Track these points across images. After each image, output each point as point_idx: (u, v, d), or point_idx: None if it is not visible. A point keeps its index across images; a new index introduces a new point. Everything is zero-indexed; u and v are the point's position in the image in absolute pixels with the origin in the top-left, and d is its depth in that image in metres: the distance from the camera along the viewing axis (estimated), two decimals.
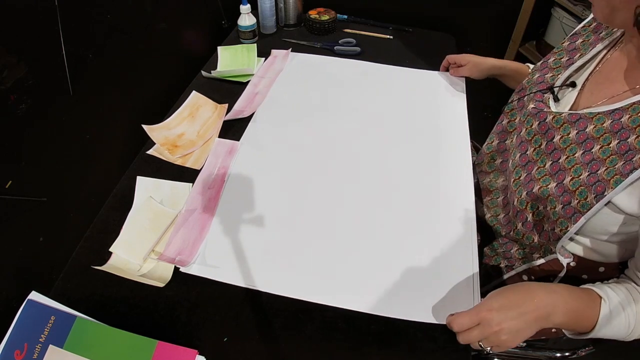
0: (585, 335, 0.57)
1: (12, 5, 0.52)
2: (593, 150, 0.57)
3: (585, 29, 0.72)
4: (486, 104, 0.87)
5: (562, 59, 0.71)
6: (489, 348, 0.54)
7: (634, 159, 0.52)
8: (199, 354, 0.53)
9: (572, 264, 0.66)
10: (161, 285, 0.61)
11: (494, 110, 0.84)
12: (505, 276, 0.74)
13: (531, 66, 0.92)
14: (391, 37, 1.22)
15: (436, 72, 1.07)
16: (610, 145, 0.56)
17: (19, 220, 0.58)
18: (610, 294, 0.57)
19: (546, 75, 0.72)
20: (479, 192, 0.81)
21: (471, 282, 0.63)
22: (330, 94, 0.98)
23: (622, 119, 0.55)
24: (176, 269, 0.63)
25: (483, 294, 0.75)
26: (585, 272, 0.68)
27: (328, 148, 0.84)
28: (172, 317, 0.58)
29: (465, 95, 1.00)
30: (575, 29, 0.74)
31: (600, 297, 0.56)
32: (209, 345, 0.55)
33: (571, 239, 0.63)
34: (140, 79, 0.84)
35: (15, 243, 0.58)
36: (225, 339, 0.57)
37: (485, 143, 0.84)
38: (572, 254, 0.64)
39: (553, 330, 0.74)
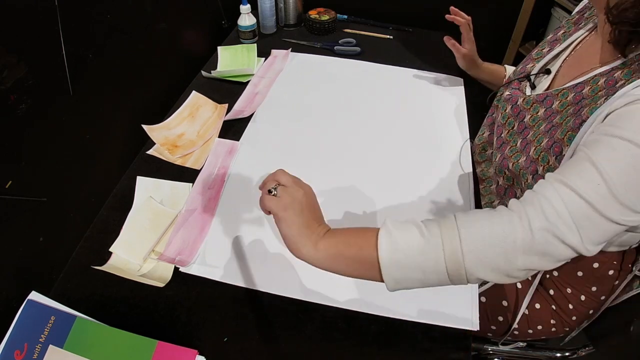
0: (382, 271, 0.46)
1: (12, 5, 0.52)
2: (554, 120, 0.60)
3: (568, 22, 0.74)
4: (485, 103, 0.87)
5: (544, 50, 0.74)
6: (273, 189, 0.51)
7: (583, 112, 0.54)
8: (199, 354, 0.53)
9: None
10: (161, 285, 0.61)
11: None
12: None
13: (507, 67, 0.95)
14: (391, 37, 1.22)
15: (436, 72, 1.07)
16: (568, 111, 0.58)
17: (19, 220, 0.58)
18: (395, 220, 0.48)
19: (527, 66, 0.74)
20: (475, 182, 0.82)
21: None
22: (330, 94, 0.98)
23: (584, 91, 0.57)
24: (176, 269, 0.63)
25: (481, 294, 0.75)
26: (579, 268, 0.68)
27: (328, 148, 0.84)
28: (172, 317, 0.58)
29: (464, 94, 1.00)
30: (561, 23, 0.77)
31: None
32: (209, 345, 0.55)
33: None
34: (140, 79, 0.84)
35: (15, 243, 0.58)
36: (225, 339, 0.57)
37: (477, 135, 0.86)
38: None
39: (553, 329, 0.74)
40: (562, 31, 0.73)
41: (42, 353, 0.52)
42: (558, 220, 0.42)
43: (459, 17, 0.90)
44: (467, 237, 0.44)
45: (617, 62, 0.55)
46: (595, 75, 0.57)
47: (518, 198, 0.66)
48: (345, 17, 1.27)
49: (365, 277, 0.49)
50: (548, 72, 0.69)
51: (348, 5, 1.28)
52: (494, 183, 0.78)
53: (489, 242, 0.43)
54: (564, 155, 0.54)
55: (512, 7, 1.33)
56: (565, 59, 0.68)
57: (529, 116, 0.66)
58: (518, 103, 0.69)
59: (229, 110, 0.91)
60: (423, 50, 1.16)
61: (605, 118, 0.49)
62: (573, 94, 0.59)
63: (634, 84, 0.48)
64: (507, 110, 0.71)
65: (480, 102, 1.02)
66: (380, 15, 1.28)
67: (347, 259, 0.48)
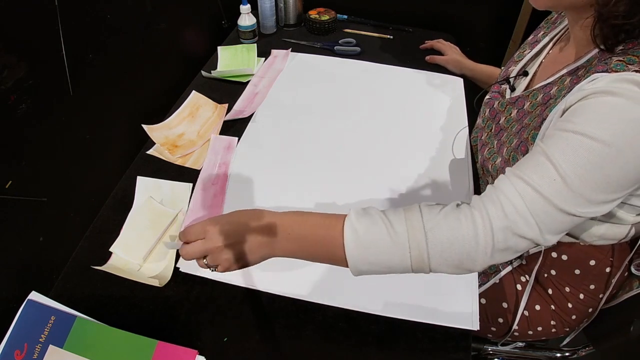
0: (349, 260, 0.48)
1: (12, 5, 0.52)
2: (525, 121, 0.61)
3: (547, 22, 0.75)
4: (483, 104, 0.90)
5: (525, 52, 0.75)
6: (212, 268, 0.53)
7: (544, 112, 0.55)
8: (199, 354, 0.53)
9: (564, 257, 0.67)
10: (161, 285, 0.61)
11: None
12: (502, 273, 0.75)
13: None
14: (391, 37, 1.22)
15: (436, 72, 1.07)
16: (536, 112, 0.59)
17: (19, 220, 0.58)
18: (365, 210, 0.50)
19: (509, 69, 0.76)
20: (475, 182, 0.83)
21: (470, 281, 0.63)
22: (330, 94, 0.98)
23: (551, 91, 0.58)
24: (176, 269, 0.63)
25: (481, 295, 0.75)
26: (577, 266, 0.68)
27: (328, 147, 0.84)
28: (172, 317, 0.58)
29: (464, 94, 1.00)
30: (541, 24, 0.77)
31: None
32: (209, 345, 0.55)
33: None
34: (140, 79, 0.84)
35: (15, 243, 0.58)
36: (225, 339, 0.57)
37: (472, 136, 0.86)
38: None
39: (553, 330, 0.74)
40: (541, 32, 0.74)
41: (42, 353, 0.52)
42: (518, 218, 0.44)
43: (429, 46, 1.16)
44: (433, 240, 0.45)
45: (582, 61, 0.56)
46: (562, 75, 0.58)
47: None
48: (345, 17, 1.27)
49: (331, 264, 0.52)
50: (526, 74, 0.70)
51: (348, 5, 1.28)
52: (483, 183, 0.78)
53: (454, 245, 0.45)
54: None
55: (512, 7, 1.33)
56: (542, 59, 0.69)
57: (504, 118, 0.67)
58: (494, 106, 0.71)
59: (229, 110, 0.91)
60: (423, 51, 1.16)
61: (562, 114, 0.50)
62: (542, 95, 0.60)
63: (588, 79, 0.49)
64: (486, 114, 0.73)
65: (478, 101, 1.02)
66: (380, 15, 1.28)
67: (314, 256, 0.52)
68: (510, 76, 0.73)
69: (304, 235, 0.51)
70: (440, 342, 0.57)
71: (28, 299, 0.54)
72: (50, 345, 0.52)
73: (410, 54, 1.14)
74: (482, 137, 0.72)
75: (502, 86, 0.75)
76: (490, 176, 0.69)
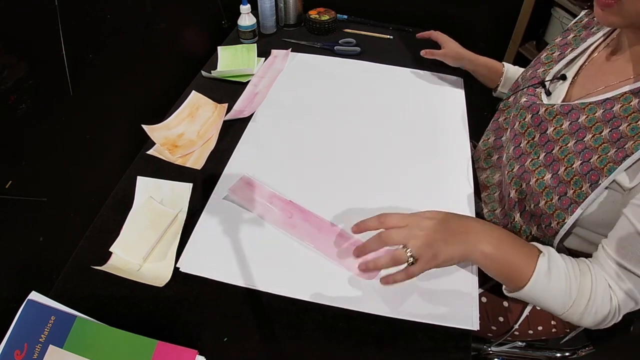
0: (520, 291, 0.55)
1: (12, 5, 0.52)
2: (585, 139, 0.58)
3: (577, 25, 0.73)
4: (485, 104, 0.88)
5: (554, 54, 0.72)
6: (410, 256, 0.55)
7: (626, 146, 0.53)
8: (199, 354, 0.53)
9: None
10: (161, 285, 0.61)
11: (493, 110, 0.84)
12: None
13: (506, 64, 0.94)
14: (391, 37, 1.22)
15: (436, 72, 1.07)
16: (602, 133, 0.56)
17: (19, 220, 0.58)
18: (554, 255, 0.56)
19: (538, 71, 0.73)
20: (477, 188, 0.81)
21: (470, 281, 0.63)
22: (330, 94, 0.98)
23: (614, 108, 0.56)
24: (176, 269, 0.63)
25: (482, 294, 0.75)
26: None
27: (328, 148, 0.84)
28: (172, 317, 0.58)
29: (464, 94, 1.00)
30: (568, 25, 0.76)
31: (540, 252, 0.56)
32: (209, 345, 0.55)
33: (570, 233, 0.63)
34: (140, 79, 0.84)
35: (15, 243, 0.58)
36: (225, 339, 0.57)
37: (481, 140, 0.85)
38: (569, 249, 0.65)
39: (553, 330, 0.74)
40: (571, 35, 0.71)
41: (42, 353, 0.52)
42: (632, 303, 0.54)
43: (426, 35, 1.06)
44: (590, 308, 0.53)
45: None
46: (625, 93, 0.55)
47: (527, 212, 0.65)
48: (345, 17, 1.27)
49: (499, 280, 0.59)
50: (564, 77, 0.67)
51: (348, 5, 1.28)
52: (497, 190, 0.76)
53: (598, 315, 0.54)
54: (600, 184, 0.54)
55: (512, 7, 1.33)
56: (582, 65, 0.66)
57: (552, 128, 0.63)
58: (539, 113, 0.65)
59: (229, 110, 0.91)
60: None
61: None
62: (602, 111, 0.57)
63: None
64: (526, 119, 0.68)
65: (479, 102, 1.02)
66: (380, 15, 1.28)
67: (496, 270, 0.57)
68: (547, 79, 0.69)
69: (506, 252, 0.56)
70: (440, 342, 0.57)
71: (28, 299, 0.54)
72: (50, 345, 0.52)
73: (410, 54, 1.14)
74: (522, 145, 0.68)
75: (537, 90, 0.70)
76: (517, 189, 0.66)
